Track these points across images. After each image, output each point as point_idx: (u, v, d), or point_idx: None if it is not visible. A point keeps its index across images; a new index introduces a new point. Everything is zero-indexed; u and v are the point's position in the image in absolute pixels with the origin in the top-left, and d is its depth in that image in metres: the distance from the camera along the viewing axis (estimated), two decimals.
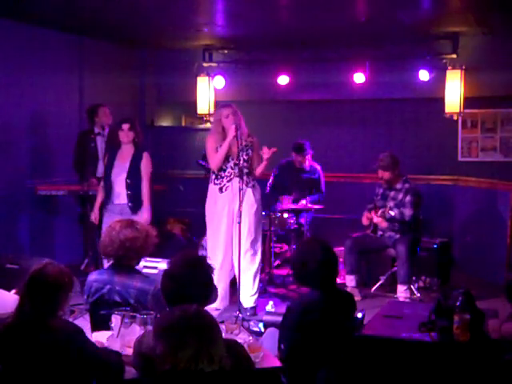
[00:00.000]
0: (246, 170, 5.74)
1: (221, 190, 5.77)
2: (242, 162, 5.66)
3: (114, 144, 6.08)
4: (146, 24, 7.32)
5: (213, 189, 5.84)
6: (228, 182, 5.73)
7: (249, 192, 5.77)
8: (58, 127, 7.54)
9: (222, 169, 5.76)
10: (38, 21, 6.92)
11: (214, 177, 5.85)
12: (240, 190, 5.56)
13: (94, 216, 6.10)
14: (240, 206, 5.56)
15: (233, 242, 5.73)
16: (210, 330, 2.37)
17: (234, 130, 5.58)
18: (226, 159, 5.72)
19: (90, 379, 2.93)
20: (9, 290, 4.62)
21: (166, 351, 2.31)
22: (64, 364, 2.83)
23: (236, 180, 5.68)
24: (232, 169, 5.74)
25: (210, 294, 3.21)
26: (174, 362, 2.29)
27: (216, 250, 5.79)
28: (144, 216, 5.92)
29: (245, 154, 5.76)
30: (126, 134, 5.97)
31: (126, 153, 6.04)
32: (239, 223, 5.55)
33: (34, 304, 2.89)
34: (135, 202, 5.97)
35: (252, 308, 5.83)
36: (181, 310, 2.43)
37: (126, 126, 5.98)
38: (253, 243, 5.81)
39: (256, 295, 5.90)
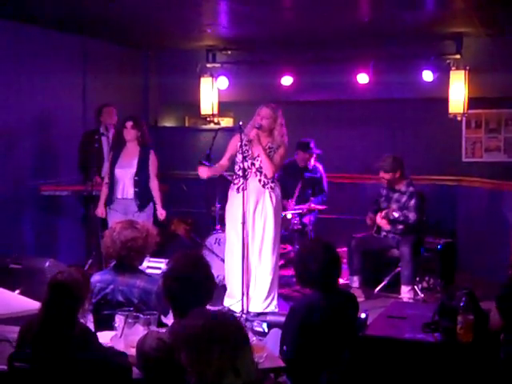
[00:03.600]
0: (264, 172, 5.65)
1: (238, 190, 5.69)
2: (246, 163, 5.60)
3: (120, 142, 6.12)
4: (150, 25, 7.33)
5: (232, 188, 5.78)
6: (243, 182, 5.57)
7: (266, 194, 5.69)
8: (62, 127, 7.55)
9: (239, 168, 5.67)
10: (42, 22, 6.93)
11: (234, 176, 5.78)
12: (243, 190, 5.51)
13: (101, 211, 6.10)
14: (243, 206, 5.51)
15: (246, 243, 5.59)
16: (236, 340, 2.21)
17: (253, 134, 5.56)
18: (244, 158, 5.61)
19: (100, 381, 2.94)
20: (13, 289, 4.64)
21: (190, 363, 2.18)
22: (80, 366, 2.84)
23: (252, 180, 5.63)
24: (249, 168, 5.64)
25: (212, 292, 3.22)
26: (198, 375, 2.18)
27: (230, 252, 5.77)
28: (160, 211, 6.05)
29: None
30: (128, 132, 6.01)
31: (132, 150, 6.06)
32: (243, 223, 5.53)
33: (56, 315, 2.95)
34: (142, 200, 6.01)
35: (258, 313, 5.61)
36: (204, 318, 2.26)
37: (128, 124, 6.02)
38: (265, 247, 5.67)
39: (266, 302, 5.66)
